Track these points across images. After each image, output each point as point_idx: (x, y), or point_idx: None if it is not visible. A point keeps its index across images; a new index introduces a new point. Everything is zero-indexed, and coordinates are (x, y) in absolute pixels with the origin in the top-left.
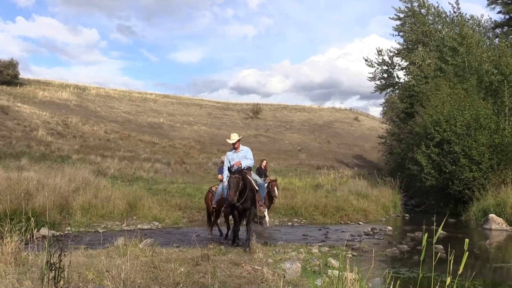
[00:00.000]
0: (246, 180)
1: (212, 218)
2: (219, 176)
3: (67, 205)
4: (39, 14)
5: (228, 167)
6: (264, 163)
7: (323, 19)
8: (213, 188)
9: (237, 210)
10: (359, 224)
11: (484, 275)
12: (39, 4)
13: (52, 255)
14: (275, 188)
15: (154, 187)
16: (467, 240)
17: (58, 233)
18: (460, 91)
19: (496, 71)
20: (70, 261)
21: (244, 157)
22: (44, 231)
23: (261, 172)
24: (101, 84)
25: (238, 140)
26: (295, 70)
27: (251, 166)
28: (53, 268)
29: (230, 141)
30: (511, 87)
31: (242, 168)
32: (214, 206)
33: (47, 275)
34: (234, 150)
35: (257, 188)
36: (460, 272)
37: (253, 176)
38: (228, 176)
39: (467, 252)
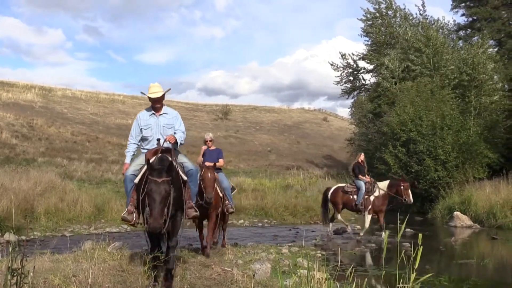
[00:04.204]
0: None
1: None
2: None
3: (32, 209)
4: (2, 14)
5: (146, 157)
6: (362, 157)
7: (291, 21)
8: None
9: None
10: None
11: (449, 271)
12: (1, 4)
13: (14, 260)
14: (409, 191)
15: (123, 189)
16: (420, 235)
17: (23, 238)
18: (426, 91)
19: (468, 70)
20: (34, 266)
21: (170, 126)
22: (9, 236)
23: (361, 168)
24: (67, 85)
25: (162, 96)
26: (263, 71)
27: (183, 142)
28: (15, 274)
29: (151, 95)
30: (477, 87)
31: (176, 146)
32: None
33: (10, 281)
34: (152, 112)
35: (185, 178)
36: (416, 266)
37: (181, 159)
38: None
39: (422, 247)
